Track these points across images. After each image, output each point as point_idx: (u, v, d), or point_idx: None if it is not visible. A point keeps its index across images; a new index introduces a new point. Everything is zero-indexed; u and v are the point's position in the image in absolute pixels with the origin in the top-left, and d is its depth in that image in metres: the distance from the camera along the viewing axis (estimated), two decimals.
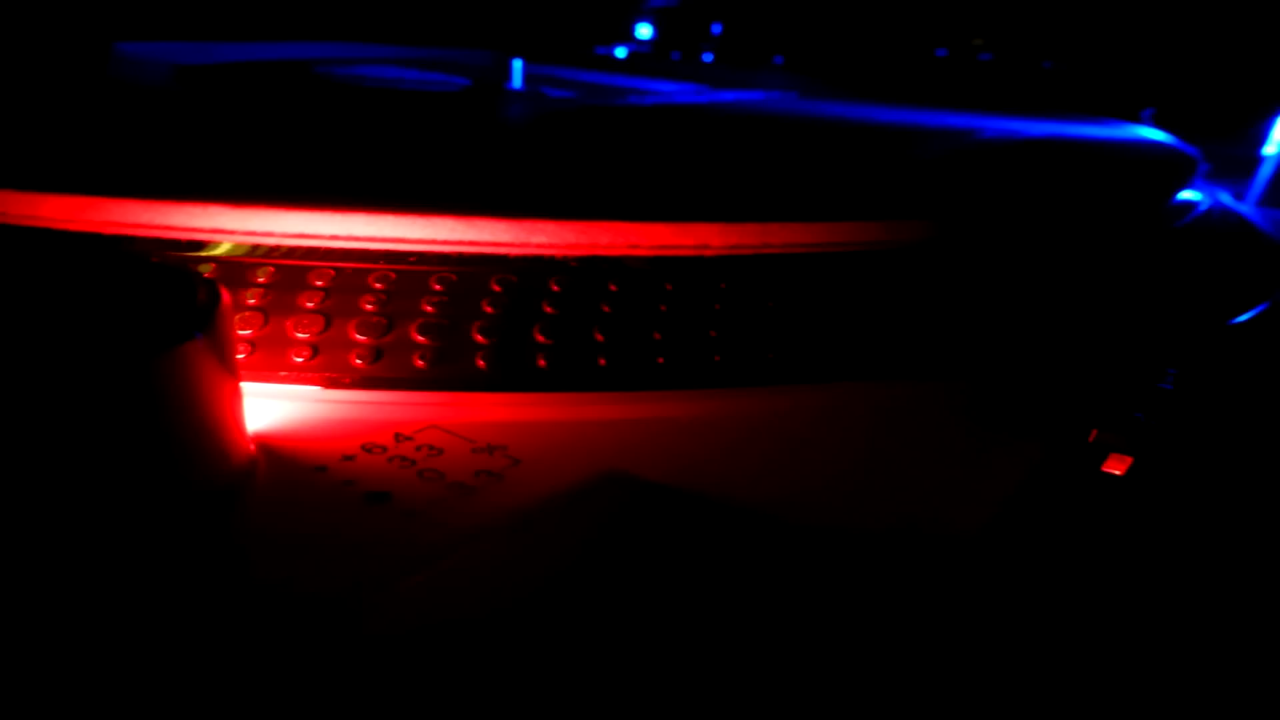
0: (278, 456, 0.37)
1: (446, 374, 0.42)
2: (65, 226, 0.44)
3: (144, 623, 0.27)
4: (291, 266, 0.44)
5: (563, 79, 1.21)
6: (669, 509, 0.36)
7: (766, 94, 1.14)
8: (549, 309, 0.45)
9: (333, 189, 0.47)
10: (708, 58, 2.23)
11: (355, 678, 0.26)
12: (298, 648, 0.27)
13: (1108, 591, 0.34)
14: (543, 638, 0.29)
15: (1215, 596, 0.35)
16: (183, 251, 0.44)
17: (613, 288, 0.46)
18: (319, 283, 0.44)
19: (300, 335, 0.42)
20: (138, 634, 0.27)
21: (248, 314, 0.43)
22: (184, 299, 0.32)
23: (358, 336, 0.43)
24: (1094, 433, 0.42)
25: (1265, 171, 1.03)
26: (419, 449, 0.38)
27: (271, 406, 0.40)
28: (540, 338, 0.44)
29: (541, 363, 0.43)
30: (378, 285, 0.44)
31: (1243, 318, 0.61)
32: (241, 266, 0.44)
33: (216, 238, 0.44)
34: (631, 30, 2.20)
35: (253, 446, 0.36)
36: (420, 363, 0.42)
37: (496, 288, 0.45)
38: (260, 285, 0.43)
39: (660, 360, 0.45)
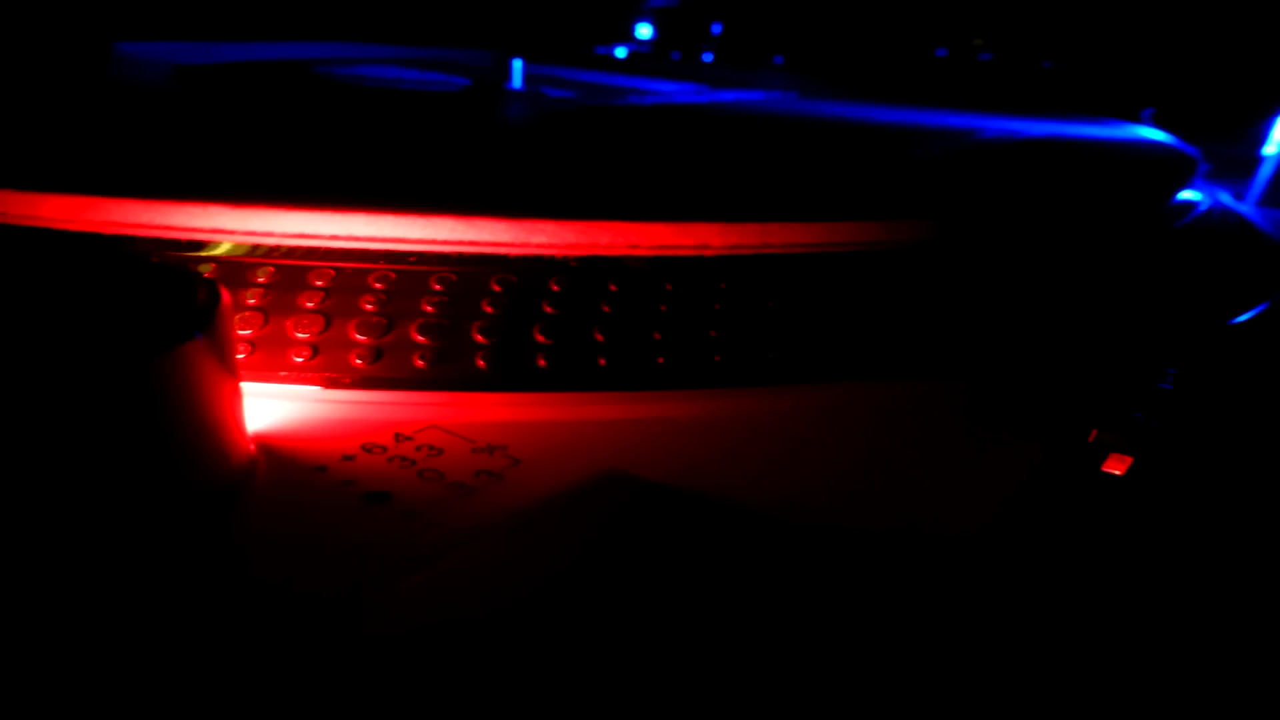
0: (278, 456, 0.37)
1: (446, 374, 0.42)
2: (65, 226, 0.44)
3: (144, 623, 0.27)
4: (291, 266, 0.44)
5: (563, 79, 1.21)
6: (669, 509, 0.36)
7: (766, 94, 1.14)
8: (549, 309, 0.45)
9: (333, 189, 0.47)
10: (708, 58, 2.23)
11: (355, 678, 0.26)
12: (298, 648, 0.27)
13: (1108, 591, 0.34)
14: (543, 638, 0.29)
15: (1215, 596, 0.35)
16: (183, 251, 0.44)
17: (613, 288, 0.46)
18: (319, 283, 0.44)
19: (300, 335, 0.42)
20: (138, 634, 0.27)
21: (248, 314, 0.43)
22: (184, 299, 0.32)
23: (358, 336, 0.43)
24: (1094, 433, 0.42)
25: (1265, 171, 1.03)
26: (419, 449, 0.38)
27: (271, 406, 0.40)
28: (540, 338, 0.44)
29: (541, 363, 0.43)
30: (378, 285, 0.44)
31: (1243, 318, 0.61)
32: (241, 266, 0.44)
33: (216, 238, 0.44)
34: (631, 30, 2.20)
35: (253, 446, 0.36)
36: (420, 363, 0.42)
37: (496, 288, 0.45)
38: (260, 285, 0.43)
39: (660, 360, 0.45)
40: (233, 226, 0.44)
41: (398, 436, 0.39)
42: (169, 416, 0.29)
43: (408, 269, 0.45)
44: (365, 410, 0.41)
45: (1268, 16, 1.72)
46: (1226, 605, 0.35)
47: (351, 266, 0.44)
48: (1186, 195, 0.77)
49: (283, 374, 0.42)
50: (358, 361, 0.42)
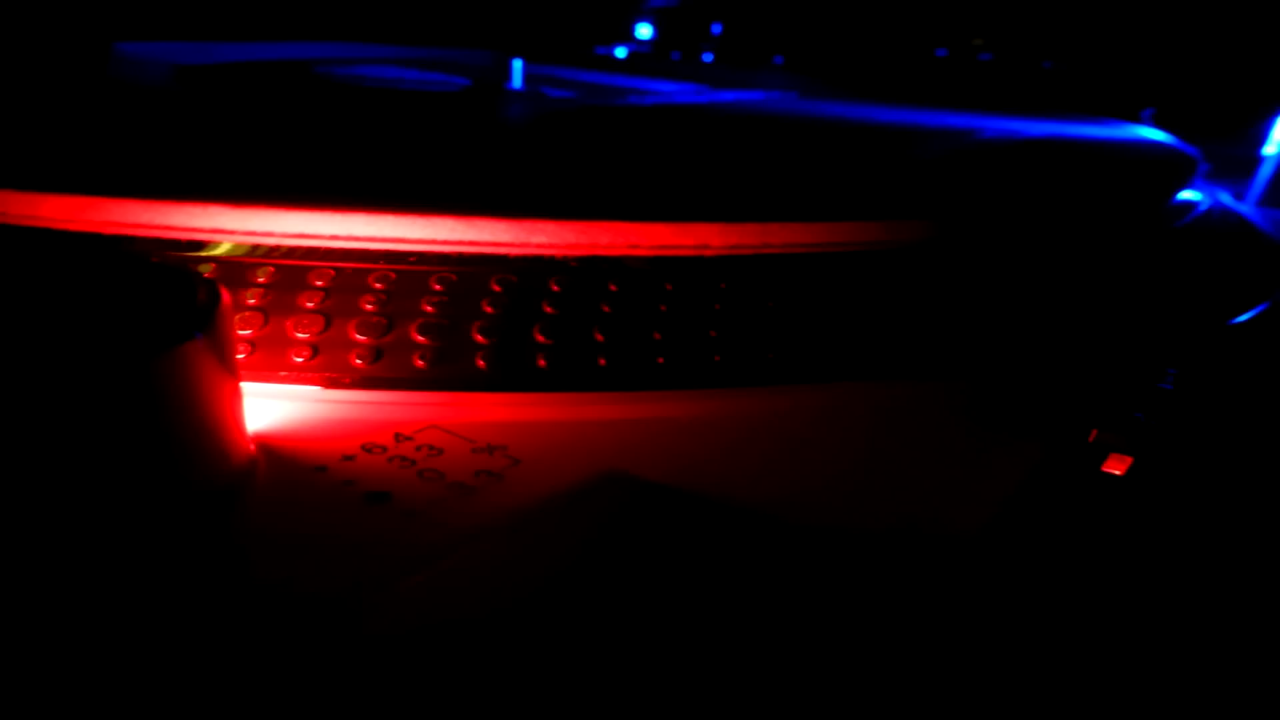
0: (278, 456, 0.37)
1: (446, 374, 0.42)
2: (65, 226, 0.44)
3: (144, 623, 0.27)
4: (291, 266, 0.44)
5: (563, 79, 1.21)
6: (669, 509, 0.36)
7: (766, 94, 1.14)
8: (549, 309, 0.45)
9: (333, 189, 0.47)
10: (708, 58, 2.23)
11: (355, 678, 0.26)
12: (298, 648, 0.27)
13: (1108, 591, 0.34)
14: (543, 638, 0.29)
15: (1215, 596, 0.35)
16: (183, 251, 0.44)
17: (613, 288, 0.46)
18: (319, 283, 0.44)
19: (300, 335, 0.42)
20: (138, 634, 0.27)
21: (248, 314, 0.43)
22: (184, 299, 0.32)
23: (358, 336, 0.43)
24: (1094, 433, 0.42)
25: (1265, 171, 1.03)
26: (419, 449, 0.38)
27: (271, 406, 0.40)
28: (540, 338, 0.44)
29: (541, 363, 0.43)
30: (378, 285, 0.44)
31: (1243, 318, 0.61)
32: (241, 266, 0.44)
33: (216, 238, 0.44)
34: (631, 30, 2.20)
35: (253, 446, 0.36)
36: (420, 363, 0.42)
37: (496, 288, 0.45)
38: (260, 285, 0.43)
39: (660, 360, 0.45)
40: (233, 226, 0.44)
41: (398, 436, 0.39)
42: (169, 416, 0.29)
43: (408, 269, 0.45)
44: (365, 410, 0.41)
45: (1268, 16, 1.72)
46: (1226, 605, 0.35)
47: (351, 266, 0.44)
48: (1186, 195, 0.77)
49: (283, 374, 0.42)
50: (358, 361, 0.42)
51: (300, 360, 0.42)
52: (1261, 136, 1.05)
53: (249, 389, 0.38)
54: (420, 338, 0.43)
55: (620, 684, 0.28)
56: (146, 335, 0.29)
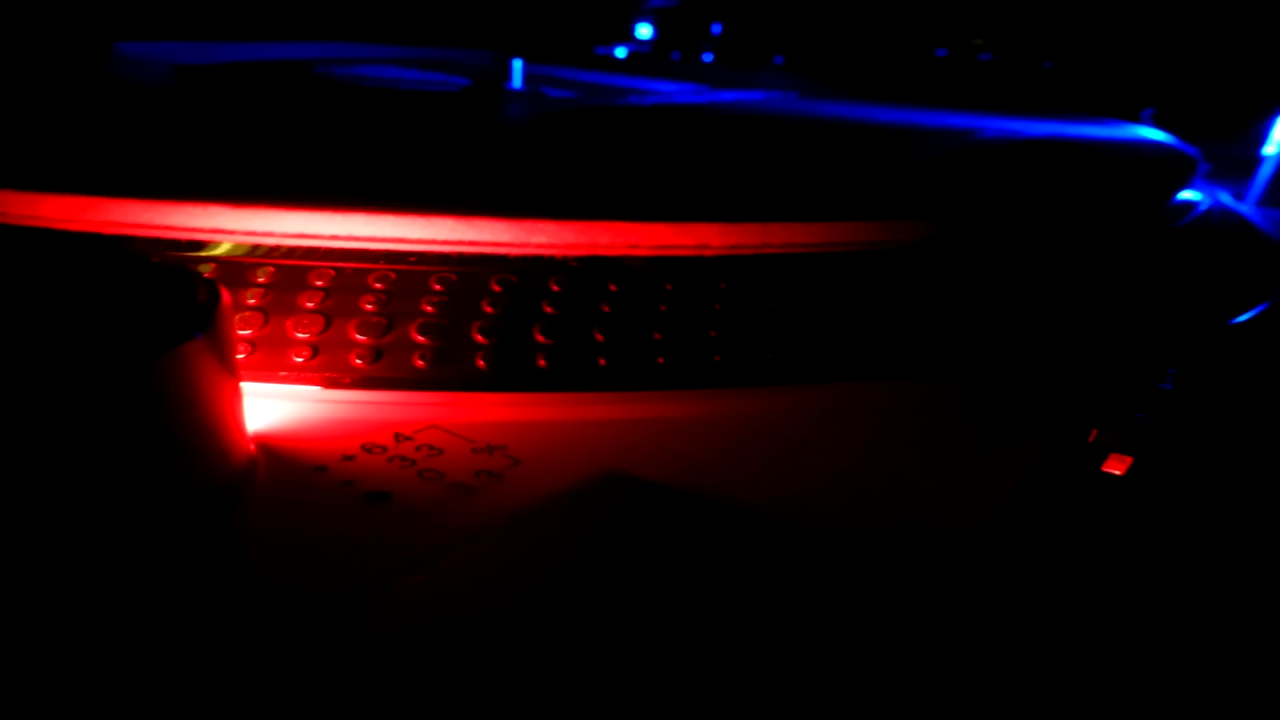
0: (278, 456, 0.37)
1: (446, 374, 0.42)
2: (65, 226, 0.44)
3: (144, 623, 0.27)
4: (291, 266, 0.44)
5: (563, 79, 1.21)
6: (669, 509, 0.36)
7: (766, 94, 1.14)
8: (549, 309, 0.45)
9: (333, 189, 0.47)
10: (708, 58, 2.23)
11: (355, 678, 0.26)
12: (298, 648, 0.27)
13: (1108, 591, 0.34)
14: (543, 638, 0.29)
15: (1215, 596, 0.35)
16: (183, 251, 0.44)
17: (613, 288, 0.46)
18: (319, 283, 0.44)
19: (300, 335, 0.42)
20: (138, 634, 0.27)
21: (248, 314, 0.43)
22: (184, 299, 0.32)
23: (358, 336, 0.43)
24: (1094, 433, 0.42)
25: (1265, 171, 1.03)
26: (419, 449, 0.38)
27: (271, 406, 0.40)
28: (540, 338, 0.44)
29: (541, 363, 0.43)
30: (378, 285, 0.44)
31: (1243, 318, 0.61)
32: (241, 266, 0.44)
33: (216, 238, 0.44)
34: (631, 30, 2.20)
35: (253, 446, 0.36)
36: (420, 363, 0.42)
37: (496, 288, 0.45)
38: (260, 285, 0.43)
39: (660, 360, 0.45)
40: (233, 226, 0.44)
41: (398, 436, 0.39)
42: (169, 416, 0.29)
43: (408, 269, 0.45)
44: (365, 410, 0.41)
45: (1268, 16, 1.72)
46: (1226, 605, 0.35)
47: (351, 266, 0.44)
48: (1186, 195, 0.77)
49: (283, 374, 0.42)
50: (358, 361, 0.42)
51: (300, 360, 0.42)
52: (1261, 136, 1.05)
53: (249, 389, 0.38)
54: (420, 338, 0.43)
55: (620, 684, 0.28)
56: (146, 335, 0.29)
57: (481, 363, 0.43)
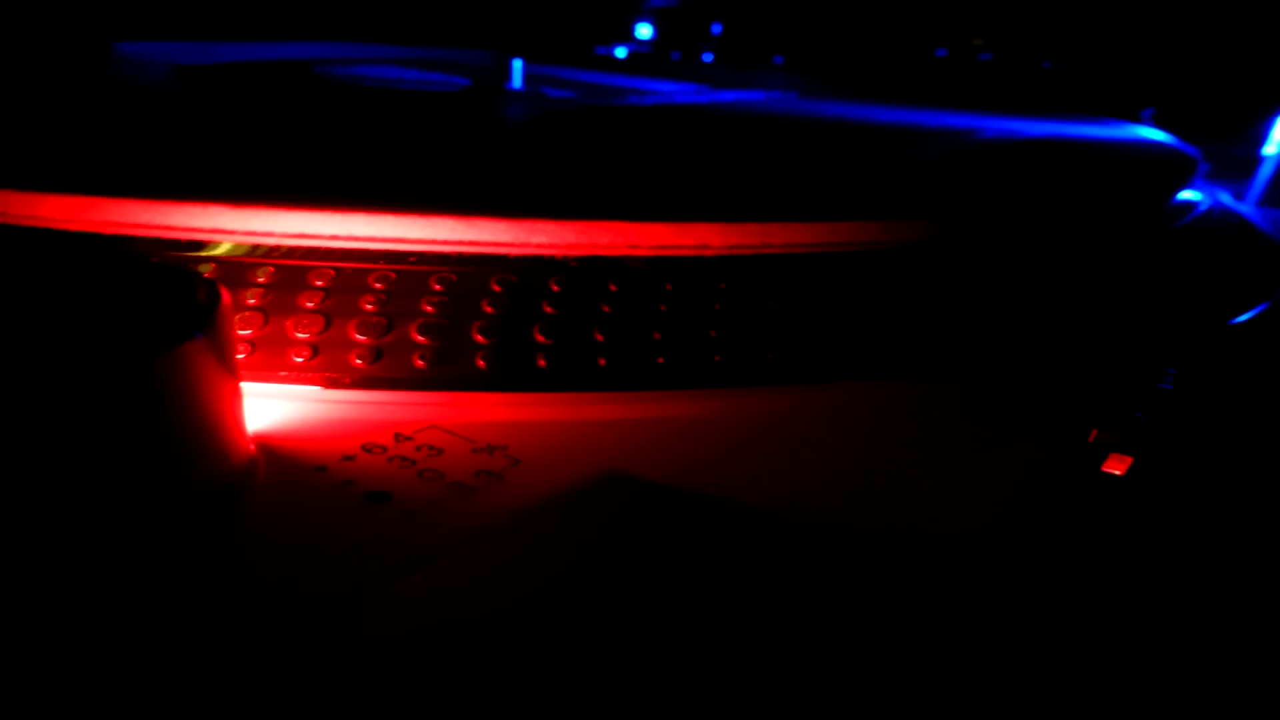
0: (278, 456, 0.37)
1: (446, 374, 0.42)
2: (65, 226, 0.44)
3: (144, 623, 0.27)
4: (291, 266, 0.44)
5: (563, 79, 1.21)
6: (669, 509, 0.36)
7: (766, 94, 1.14)
8: (549, 309, 0.45)
9: (333, 189, 0.47)
10: (708, 58, 2.23)
11: (355, 678, 0.26)
12: (298, 648, 0.27)
13: (1108, 591, 0.34)
14: (543, 638, 0.29)
15: (1215, 596, 0.35)
16: (183, 251, 0.44)
17: (613, 288, 0.46)
18: (319, 283, 0.44)
19: (300, 335, 0.42)
20: (138, 634, 0.27)
21: (248, 314, 0.43)
22: (184, 299, 0.32)
23: (358, 336, 0.43)
24: (1094, 433, 0.42)
25: (1265, 171, 1.03)
26: (419, 449, 0.38)
27: (271, 406, 0.40)
28: (540, 338, 0.44)
29: (541, 363, 0.43)
30: (378, 285, 0.44)
31: (1243, 318, 0.61)
32: (241, 266, 0.44)
33: (216, 238, 0.44)
34: (631, 30, 2.20)
35: (253, 446, 0.36)
36: (420, 363, 0.42)
37: (496, 288, 0.45)
38: (260, 285, 0.43)
39: (660, 360, 0.45)
40: (233, 226, 0.44)
41: (398, 436, 0.39)
42: (169, 416, 0.29)
43: (408, 269, 0.45)
44: (365, 410, 0.41)
45: (1268, 16, 1.72)
46: (1226, 605, 0.35)
47: (351, 266, 0.44)
48: (1186, 195, 0.77)
49: (283, 374, 0.42)
50: (358, 361, 0.42)
51: (300, 360, 0.42)
52: (1261, 136, 1.05)
53: (249, 389, 0.38)
54: (420, 338, 0.43)
55: (620, 684, 0.28)
56: (146, 335, 0.29)
57: (481, 363, 0.43)
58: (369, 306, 0.43)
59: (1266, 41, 1.68)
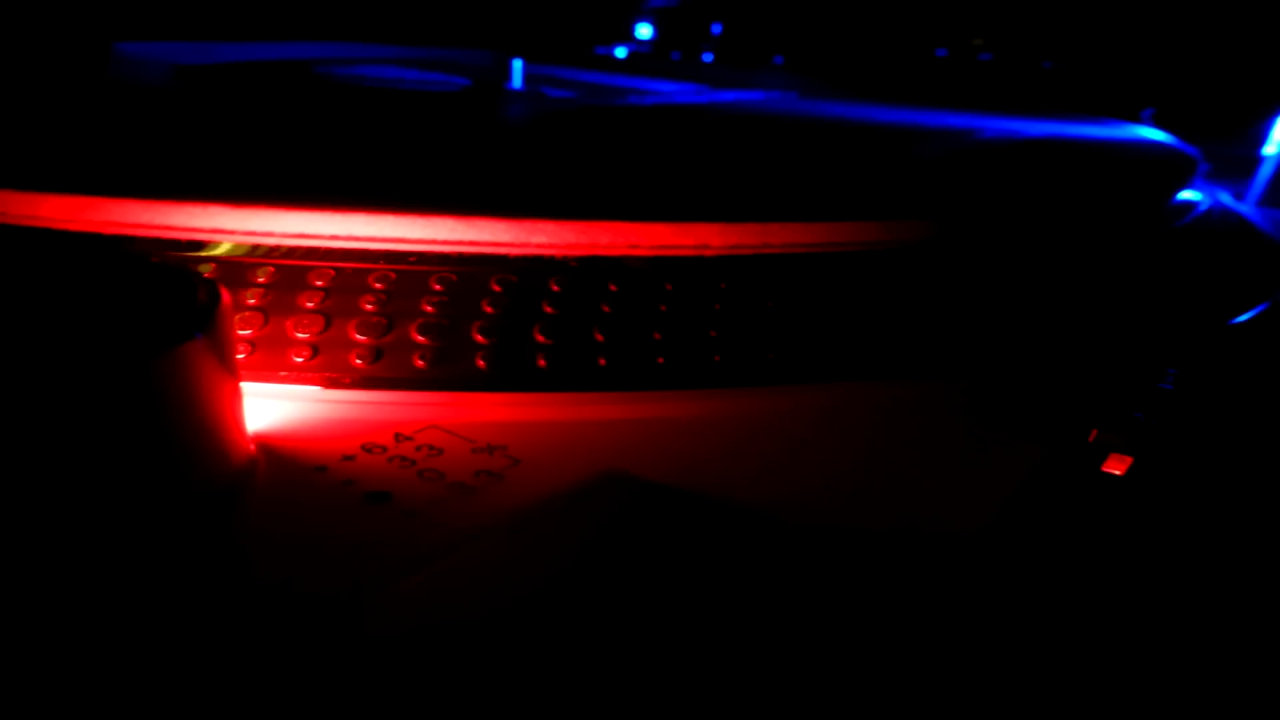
0: (278, 456, 0.37)
1: (446, 374, 0.42)
2: (65, 226, 0.44)
3: (144, 623, 0.27)
4: (291, 266, 0.44)
5: (563, 79, 1.21)
6: (669, 509, 0.36)
7: (766, 94, 1.14)
8: (549, 309, 0.45)
9: (333, 189, 0.47)
10: (708, 58, 2.23)
11: (355, 678, 0.26)
12: (298, 648, 0.27)
13: (1108, 591, 0.34)
14: (542, 638, 0.29)
15: (1215, 596, 0.35)
16: (183, 251, 0.44)
17: (613, 288, 0.46)
18: (319, 283, 0.44)
19: (300, 335, 0.42)
20: (138, 634, 0.27)
21: (248, 314, 0.43)
22: (184, 299, 0.32)
23: (358, 336, 0.43)
24: (1094, 433, 0.42)
25: (1265, 171, 1.03)
26: (419, 449, 0.38)
27: (271, 406, 0.40)
28: (540, 338, 0.44)
29: (541, 363, 0.43)
30: (378, 285, 0.44)
31: (1243, 318, 0.61)
32: (241, 266, 0.44)
33: (216, 238, 0.44)
34: (631, 30, 2.20)
35: (253, 446, 0.36)
36: (420, 363, 0.42)
37: (496, 288, 0.45)
38: (260, 285, 0.43)
39: (660, 360, 0.45)
40: (233, 226, 0.44)
41: (398, 436, 0.39)
42: (169, 416, 0.29)
43: (408, 269, 0.45)
44: (365, 410, 0.41)
45: (1268, 16, 1.72)
46: (1226, 605, 0.35)
47: (351, 266, 0.44)
48: (1186, 195, 0.77)
49: (283, 374, 0.42)
50: (358, 361, 0.42)
51: (300, 360, 0.42)
52: (1261, 136, 1.05)
53: (249, 389, 0.38)
54: (420, 338, 0.43)
55: (620, 684, 0.28)
56: (146, 335, 0.29)
57: (481, 363, 0.43)
58: (369, 306, 0.43)
59: (1266, 41, 1.68)
